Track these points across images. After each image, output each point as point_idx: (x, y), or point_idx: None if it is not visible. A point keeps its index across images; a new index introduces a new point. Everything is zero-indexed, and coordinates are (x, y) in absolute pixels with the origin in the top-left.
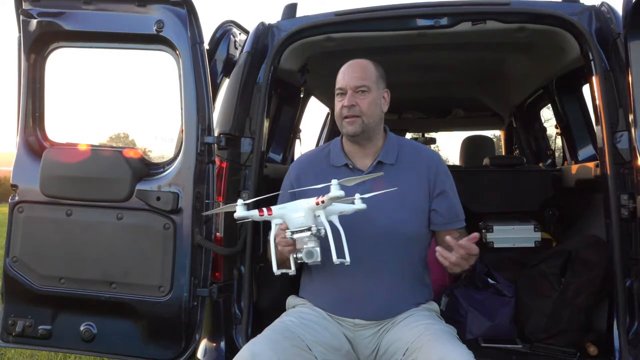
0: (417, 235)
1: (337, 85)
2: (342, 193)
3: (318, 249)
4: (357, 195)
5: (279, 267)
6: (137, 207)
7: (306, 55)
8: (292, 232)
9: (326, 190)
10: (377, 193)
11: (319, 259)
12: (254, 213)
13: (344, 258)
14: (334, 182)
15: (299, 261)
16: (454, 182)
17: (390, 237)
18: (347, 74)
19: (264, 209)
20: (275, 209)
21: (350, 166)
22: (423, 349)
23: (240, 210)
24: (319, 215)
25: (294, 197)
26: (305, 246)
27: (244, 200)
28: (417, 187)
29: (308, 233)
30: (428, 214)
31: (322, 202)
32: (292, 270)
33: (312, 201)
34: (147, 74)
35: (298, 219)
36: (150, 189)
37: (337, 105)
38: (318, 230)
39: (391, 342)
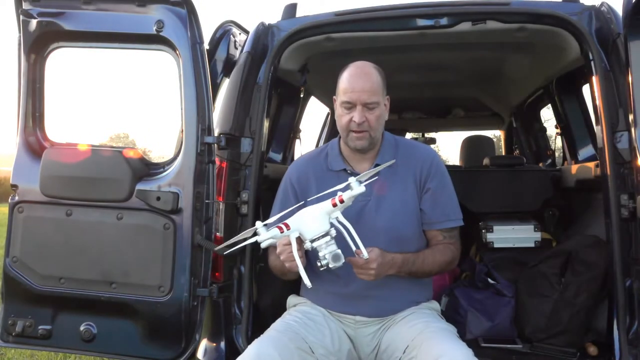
0: (414, 236)
1: (344, 97)
2: (363, 189)
3: (339, 250)
4: (352, 179)
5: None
6: (137, 207)
7: (306, 55)
8: (312, 241)
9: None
10: (373, 172)
11: (344, 260)
12: (276, 232)
13: (363, 253)
14: (352, 179)
15: (322, 268)
16: (447, 180)
17: (388, 239)
18: (357, 86)
19: (282, 226)
20: (291, 222)
21: (348, 171)
22: (423, 346)
23: (263, 233)
24: (336, 217)
25: (298, 200)
26: (326, 251)
27: (262, 223)
28: (413, 187)
29: (327, 238)
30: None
31: (342, 201)
32: (309, 284)
33: (326, 204)
34: (147, 74)
35: (314, 227)
36: (150, 189)
37: (344, 117)
38: (334, 232)
39: (391, 339)
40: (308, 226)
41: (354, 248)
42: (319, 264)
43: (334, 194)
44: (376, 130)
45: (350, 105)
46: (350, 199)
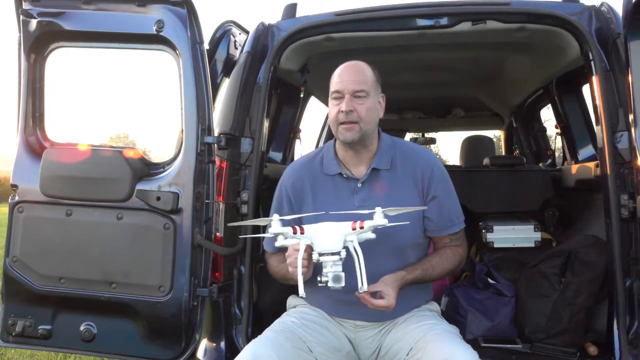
0: (415, 243)
1: (334, 88)
2: (386, 222)
3: (343, 273)
4: (379, 209)
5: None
6: (137, 207)
7: (306, 55)
8: (320, 254)
9: (362, 215)
10: (403, 210)
11: (343, 284)
12: (289, 230)
13: (362, 284)
14: (379, 209)
15: (320, 284)
16: (450, 185)
17: (388, 246)
18: (345, 77)
19: (297, 228)
20: (307, 228)
21: (344, 175)
22: (427, 349)
23: (275, 226)
24: (351, 240)
25: (292, 208)
26: (330, 270)
27: (279, 216)
28: (415, 193)
29: (336, 257)
30: (423, 221)
31: (362, 227)
32: (302, 294)
33: (346, 225)
34: (147, 74)
35: (327, 243)
36: (150, 189)
37: (333, 109)
38: (344, 254)
39: (393, 342)
40: (322, 239)
41: (359, 284)
42: (318, 279)
43: (348, 207)
44: (367, 123)
45: (339, 95)
46: (370, 228)
